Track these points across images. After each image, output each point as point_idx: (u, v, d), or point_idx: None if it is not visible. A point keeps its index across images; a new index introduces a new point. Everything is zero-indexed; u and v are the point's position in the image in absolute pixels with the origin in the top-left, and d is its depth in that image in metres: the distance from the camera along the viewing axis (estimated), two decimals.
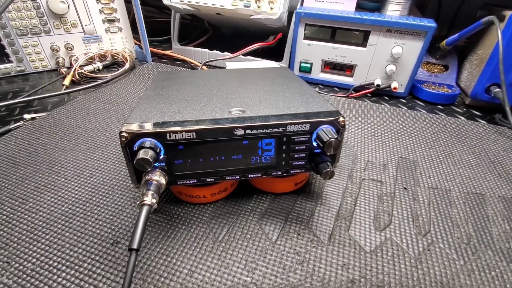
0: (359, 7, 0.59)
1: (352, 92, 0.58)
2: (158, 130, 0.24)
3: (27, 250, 0.26)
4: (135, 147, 0.24)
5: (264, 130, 0.26)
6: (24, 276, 0.24)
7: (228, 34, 0.88)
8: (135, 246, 0.20)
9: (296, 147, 0.27)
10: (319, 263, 0.26)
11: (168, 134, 0.24)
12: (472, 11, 0.65)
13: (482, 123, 0.50)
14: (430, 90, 0.56)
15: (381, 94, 0.60)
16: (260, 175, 0.28)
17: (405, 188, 0.35)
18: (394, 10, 0.55)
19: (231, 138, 0.26)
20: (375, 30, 0.53)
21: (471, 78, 0.56)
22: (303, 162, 0.28)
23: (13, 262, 0.25)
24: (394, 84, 0.56)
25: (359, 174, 0.37)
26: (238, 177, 0.28)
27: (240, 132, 0.25)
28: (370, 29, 0.53)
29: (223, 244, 0.27)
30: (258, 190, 0.33)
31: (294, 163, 0.28)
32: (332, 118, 0.27)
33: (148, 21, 0.91)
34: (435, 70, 0.61)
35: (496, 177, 0.37)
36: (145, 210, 0.22)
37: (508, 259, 0.28)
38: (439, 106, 0.56)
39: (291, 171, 0.29)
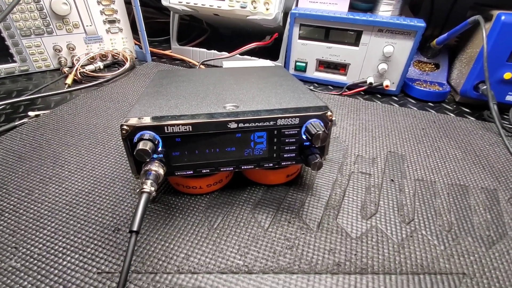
0: (352, 8, 0.60)
1: (346, 90, 0.60)
2: (156, 123, 0.26)
3: (34, 236, 0.28)
4: (135, 139, 0.26)
5: (256, 124, 0.27)
6: (31, 260, 0.26)
7: (226, 34, 0.90)
8: (135, 228, 0.22)
9: (287, 140, 0.29)
10: (308, 248, 0.28)
11: (165, 127, 0.26)
12: (464, 11, 0.67)
13: (470, 119, 0.52)
14: (421, 88, 0.58)
15: (373, 92, 0.61)
16: (253, 166, 0.30)
17: (392, 180, 0.37)
18: (386, 11, 0.56)
19: (225, 131, 0.27)
20: (367, 30, 0.55)
21: (461, 76, 0.57)
22: (294, 154, 0.30)
23: (21, 248, 0.27)
24: (386, 82, 0.57)
25: (349, 167, 0.39)
26: (232, 168, 0.30)
27: (233, 125, 0.27)
28: (362, 29, 0.55)
29: (218, 231, 0.29)
30: (252, 182, 0.35)
31: (285, 155, 0.30)
32: (320, 112, 0.28)
33: (148, 21, 0.93)
34: (427, 69, 0.63)
35: (480, 169, 0.39)
36: (144, 196, 0.24)
37: (487, 245, 0.29)
38: (430, 104, 0.58)
39: (282, 163, 0.31)
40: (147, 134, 0.26)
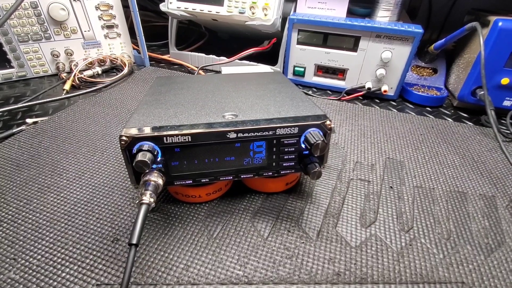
0: (350, 13, 0.61)
1: (344, 95, 0.60)
2: (155, 134, 0.26)
3: (32, 247, 0.28)
4: (134, 150, 0.26)
5: (255, 134, 0.27)
6: (30, 271, 0.26)
7: (225, 38, 0.90)
8: (134, 241, 0.22)
9: (286, 149, 0.29)
10: (307, 258, 0.28)
11: (165, 138, 0.26)
12: (461, 15, 0.67)
13: (468, 124, 0.52)
14: (419, 93, 0.58)
15: (372, 97, 0.62)
16: (252, 175, 0.30)
17: (391, 187, 0.37)
18: (384, 16, 0.57)
19: (224, 141, 0.27)
20: (365, 36, 0.55)
21: (458, 81, 0.58)
22: (293, 163, 0.30)
23: (20, 259, 0.27)
24: (384, 87, 0.58)
25: (347, 174, 0.39)
26: (231, 177, 0.30)
27: (232, 135, 0.27)
28: (360, 34, 0.55)
29: (217, 241, 0.29)
30: (251, 190, 0.35)
31: (284, 164, 0.30)
32: (319, 122, 0.28)
33: (146, 25, 0.92)
34: (425, 73, 0.63)
35: (478, 176, 0.39)
36: (143, 208, 0.24)
37: (486, 253, 0.29)
38: (428, 108, 0.58)
39: (282, 172, 0.31)
40: (146, 144, 0.26)
